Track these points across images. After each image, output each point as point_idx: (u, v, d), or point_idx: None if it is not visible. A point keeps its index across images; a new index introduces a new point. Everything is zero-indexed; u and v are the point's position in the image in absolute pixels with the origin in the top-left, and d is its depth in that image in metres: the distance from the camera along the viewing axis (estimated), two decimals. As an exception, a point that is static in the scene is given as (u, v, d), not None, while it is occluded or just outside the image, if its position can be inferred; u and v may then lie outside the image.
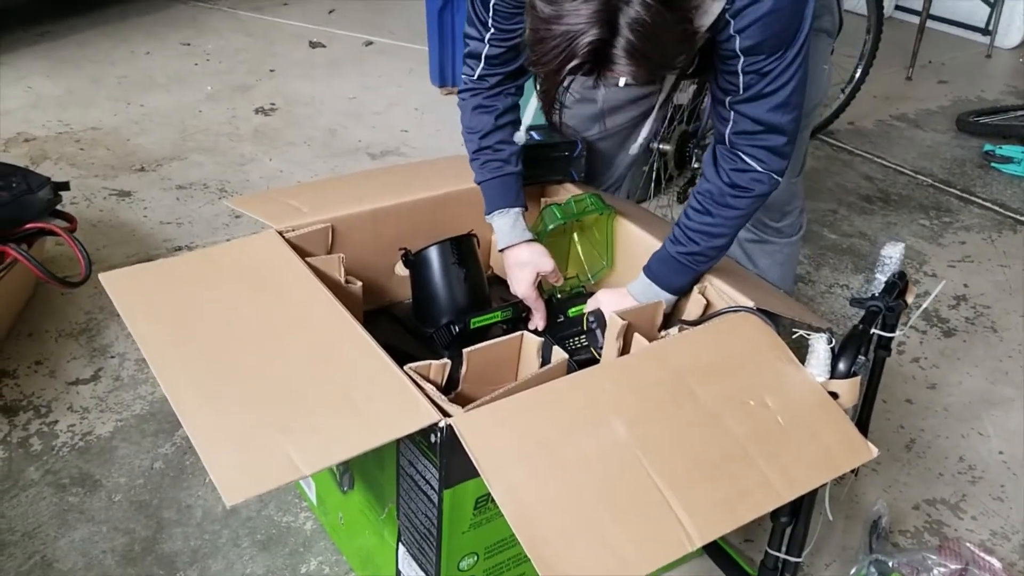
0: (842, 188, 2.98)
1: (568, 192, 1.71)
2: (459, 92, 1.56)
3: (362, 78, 3.55)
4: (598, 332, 1.41)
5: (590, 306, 1.53)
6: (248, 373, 1.15)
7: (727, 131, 1.36)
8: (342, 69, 3.61)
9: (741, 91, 1.31)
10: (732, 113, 1.34)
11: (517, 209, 1.55)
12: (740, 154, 1.35)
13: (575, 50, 1.07)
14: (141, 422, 1.80)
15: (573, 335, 1.52)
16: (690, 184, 2.58)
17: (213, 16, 4.06)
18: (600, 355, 1.44)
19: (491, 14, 1.41)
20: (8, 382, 1.88)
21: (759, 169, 1.35)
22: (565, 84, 1.16)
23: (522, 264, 1.56)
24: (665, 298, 1.45)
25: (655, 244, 1.52)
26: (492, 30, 1.43)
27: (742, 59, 1.27)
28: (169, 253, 2.35)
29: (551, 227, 1.62)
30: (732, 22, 1.24)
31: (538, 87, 1.24)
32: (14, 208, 1.84)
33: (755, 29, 1.23)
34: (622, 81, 1.17)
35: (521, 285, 1.57)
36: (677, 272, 1.44)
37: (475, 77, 1.52)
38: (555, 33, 1.08)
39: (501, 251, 1.58)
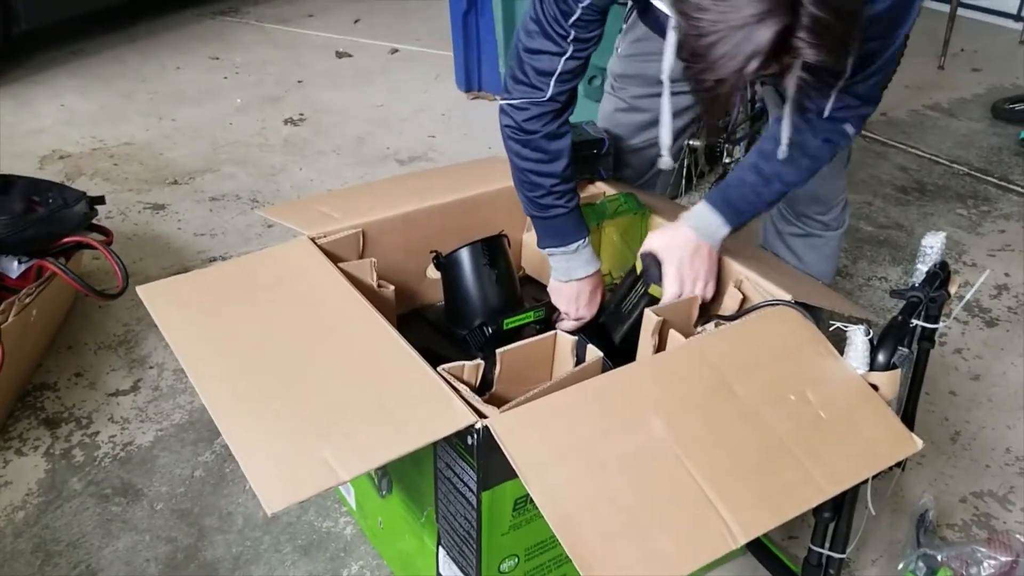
0: (877, 180, 2.94)
1: (597, 190, 1.70)
2: (521, 118, 1.40)
3: (389, 85, 3.56)
4: (654, 270, 1.38)
5: (643, 250, 1.47)
6: (285, 380, 1.15)
7: (828, 107, 1.28)
8: (369, 77, 3.63)
9: (847, 73, 1.18)
10: (835, 94, 1.25)
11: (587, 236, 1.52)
12: (838, 123, 1.34)
13: (759, 44, 0.94)
14: (181, 431, 1.82)
15: (626, 294, 1.49)
16: (721, 179, 2.56)
17: (240, 29, 4.10)
18: (662, 291, 1.41)
19: (571, 24, 1.30)
20: (49, 395, 1.91)
21: (850, 133, 1.36)
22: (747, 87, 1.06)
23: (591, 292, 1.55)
24: (718, 235, 1.41)
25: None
26: (572, 43, 1.32)
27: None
28: (204, 264, 2.37)
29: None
30: None
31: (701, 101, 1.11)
32: (51, 223, 1.87)
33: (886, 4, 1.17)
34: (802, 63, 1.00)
35: (587, 311, 1.56)
36: (742, 200, 1.40)
37: (547, 97, 1.37)
38: (729, 30, 0.95)
39: (580, 279, 1.53)
